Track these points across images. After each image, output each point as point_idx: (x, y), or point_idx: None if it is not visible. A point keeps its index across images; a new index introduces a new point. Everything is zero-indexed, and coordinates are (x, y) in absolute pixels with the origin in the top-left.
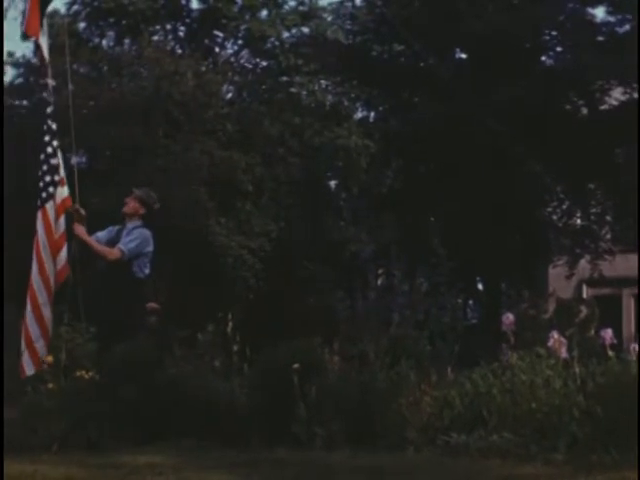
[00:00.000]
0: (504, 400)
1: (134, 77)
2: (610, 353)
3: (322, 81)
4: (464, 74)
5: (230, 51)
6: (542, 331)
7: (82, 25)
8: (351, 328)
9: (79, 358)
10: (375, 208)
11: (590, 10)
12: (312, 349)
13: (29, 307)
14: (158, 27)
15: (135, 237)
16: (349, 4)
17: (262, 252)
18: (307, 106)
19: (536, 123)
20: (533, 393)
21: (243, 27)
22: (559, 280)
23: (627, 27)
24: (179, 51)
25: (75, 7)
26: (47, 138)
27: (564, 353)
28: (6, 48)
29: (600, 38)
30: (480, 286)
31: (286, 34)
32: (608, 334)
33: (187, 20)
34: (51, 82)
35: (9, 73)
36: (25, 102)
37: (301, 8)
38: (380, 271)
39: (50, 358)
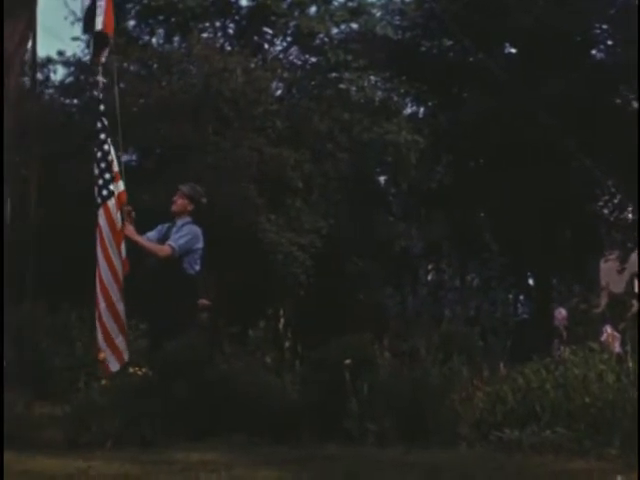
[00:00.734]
0: (557, 395)
1: (184, 74)
2: None
3: (371, 77)
4: (513, 68)
5: (279, 48)
6: (594, 325)
7: (132, 23)
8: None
9: (130, 355)
10: (425, 204)
11: None
12: (363, 345)
13: (103, 304)
14: (207, 24)
15: (185, 233)
16: (398, 0)
17: (312, 248)
18: (356, 102)
19: (586, 117)
20: (586, 388)
21: (292, 23)
22: (611, 274)
23: None
24: (228, 48)
25: (125, 5)
26: (102, 136)
27: (617, 347)
28: (55, 47)
29: None
30: (531, 281)
31: (335, 30)
32: None
33: (236, 17)
34: (102, 80)
35: (59, 72)
36: (76, 101)
37: (350, 4)
38: (430, 267)
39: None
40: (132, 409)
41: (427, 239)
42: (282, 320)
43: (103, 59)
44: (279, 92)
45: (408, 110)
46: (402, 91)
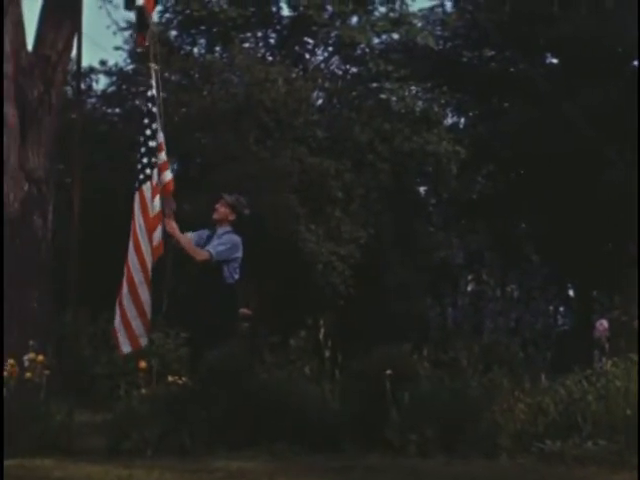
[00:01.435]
0: (599, 407)
1: (225, 84)
2: None
3: (412, 87)
4: (555, 78)
5: (320, 58)
6: (635, 337)
7: (174, 33)
8: (441, 334)
9: (170, 363)
10: (465, 214)
11: None
12: (404, 355)
13: (125, 287)
14: (249, 34)
15: (224, 242)
16: (439, 10)
17: (352, 259)
18: (397, 112)
19: (627, 126)
20: (628, 400)
21: (333, 34)
22: None
23: None
24: (270, 58)
25: (167, 15)
26: (147, 121)
27: None
28: (98, 56)
29: None
30: (571, 292)
31: (376, 40)
32: None
33: (278, 27)
34: (154, 67)
35: (102, 81)
36: (118, 110)
37: (391, 14)
38: (470, 277)
39: (143, 363)
40: (172, 417)
41: (467, 249)
42: (322, 330)
43: (147, 42)
44: (320, 102)
45: (449, 120)
46: (443, 101)
